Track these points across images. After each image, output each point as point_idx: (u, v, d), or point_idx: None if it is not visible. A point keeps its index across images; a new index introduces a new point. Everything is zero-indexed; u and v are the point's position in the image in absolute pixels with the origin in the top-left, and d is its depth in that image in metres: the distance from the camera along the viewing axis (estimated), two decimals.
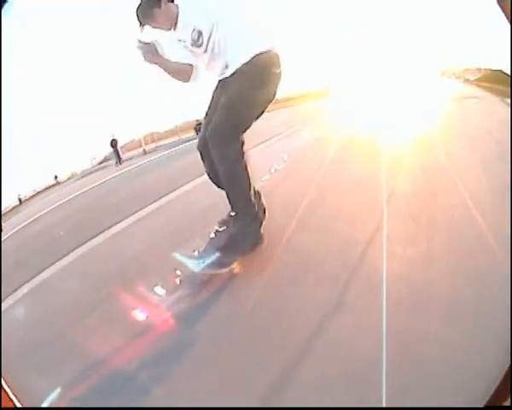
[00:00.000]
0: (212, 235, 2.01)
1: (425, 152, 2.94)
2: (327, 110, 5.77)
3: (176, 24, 1.87)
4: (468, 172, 2.38)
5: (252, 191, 1.83)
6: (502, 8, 1.03)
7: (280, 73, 1.87)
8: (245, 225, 1.84)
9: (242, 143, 1.82)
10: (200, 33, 1.81)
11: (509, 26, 1.02)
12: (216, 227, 2.05)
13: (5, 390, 1.07)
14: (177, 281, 1.88)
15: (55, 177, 4.47)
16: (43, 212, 4.49)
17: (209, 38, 1.81)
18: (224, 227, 2.01)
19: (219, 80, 1.96)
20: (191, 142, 4.41)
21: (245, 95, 1.80)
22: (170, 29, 1.90)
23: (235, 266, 1.80)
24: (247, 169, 1.81)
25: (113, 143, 4.61)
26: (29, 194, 4.75)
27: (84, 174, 4.97)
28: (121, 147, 4.81)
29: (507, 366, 0.90)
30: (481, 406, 0.89)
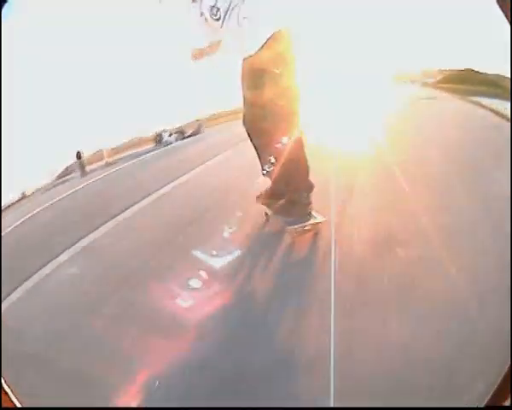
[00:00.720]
0: (281, 202, 2.16)
1: (379, 154, 2.85)
2: None
3: None
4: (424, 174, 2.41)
5: None
6: (502, 8, 1.03)
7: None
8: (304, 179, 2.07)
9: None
10: (217, 9, 1.92)
11: (509, 26, 1.02)
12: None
13: (5, 390, 1.07)
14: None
15: (23, 193, 4.41)
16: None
17: (226, 12, 1.91)
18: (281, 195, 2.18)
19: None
20: (152, 153, 4.43)
21: None
22: None
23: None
24: None
25: (79, 155, 4.61)
26: None
27: (50, 187, 4.87)
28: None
29: (507, 366, 0.90)
30: (481, 406, 0.89)
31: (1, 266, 2.31)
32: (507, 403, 0.87)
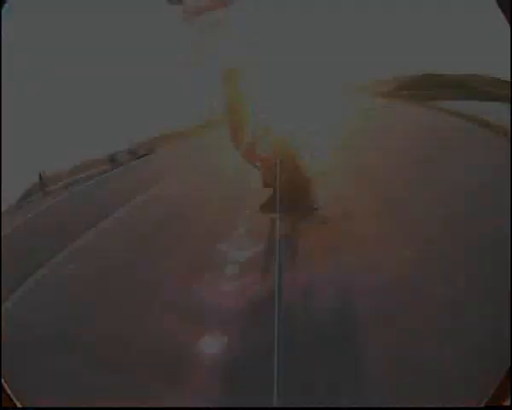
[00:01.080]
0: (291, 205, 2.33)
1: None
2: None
3: None
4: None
5: None
6: (502, 8, 1.03)
7: None
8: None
9: None
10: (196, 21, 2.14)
11: (509, 26, 1.02)
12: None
13: (5, 390, 1.07)
14: None
15: None
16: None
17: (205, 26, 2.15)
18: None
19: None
20: (108, 173, 4.47)
21: None
22: None
23: None
24: None
25: (41, 176, 4.64)
26: None
27: (19, 207, 4.79)
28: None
29: (507, 366, 0.90)
30: (481, 406, 0.89)
31: (1, 266, 2.31)
32: (507, 403, 0.87)
